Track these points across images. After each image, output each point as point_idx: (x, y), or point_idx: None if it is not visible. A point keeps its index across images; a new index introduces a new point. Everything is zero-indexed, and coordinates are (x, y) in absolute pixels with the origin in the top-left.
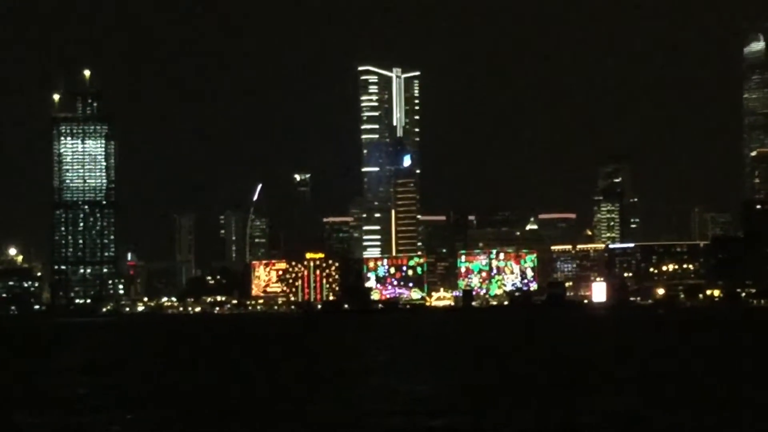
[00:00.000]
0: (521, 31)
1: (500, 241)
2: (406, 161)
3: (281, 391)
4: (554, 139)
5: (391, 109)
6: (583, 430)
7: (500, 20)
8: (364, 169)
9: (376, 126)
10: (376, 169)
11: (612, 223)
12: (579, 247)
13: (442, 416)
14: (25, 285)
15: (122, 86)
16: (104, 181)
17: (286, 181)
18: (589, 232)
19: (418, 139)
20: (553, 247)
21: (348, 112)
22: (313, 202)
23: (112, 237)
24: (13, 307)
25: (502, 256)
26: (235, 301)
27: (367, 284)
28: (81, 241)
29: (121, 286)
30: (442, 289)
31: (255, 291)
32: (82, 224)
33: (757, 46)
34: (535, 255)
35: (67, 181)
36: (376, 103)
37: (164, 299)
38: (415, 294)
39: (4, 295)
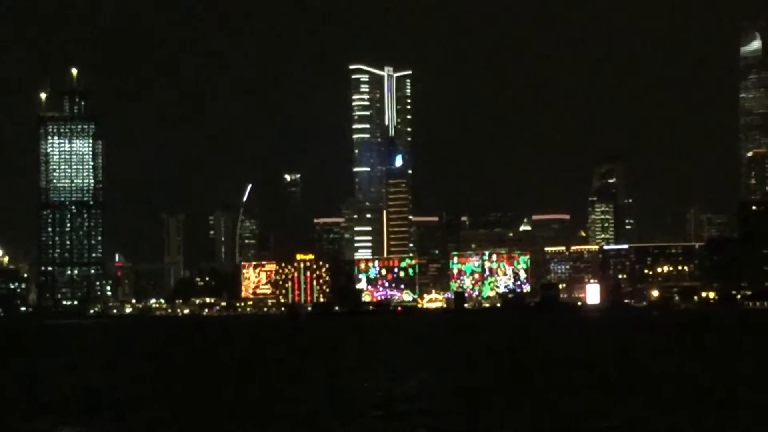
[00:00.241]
0: (521, 31)
1: (493, 242)
2: (398, 161)
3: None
4: (552, 139)
5: (383, 108)
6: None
7: (500, 20)
8: (356, 169)
9: (368, 125)
10: (368, 169)
11: (606, 224)
12: (573, 248)
13: (430, 417)
14: (12, 286)
15: (112, 85)
16: (92, 181)
17: (276, 182)
18: (583, 233)
19: (410, 138)
20: (546, 249)
21: (339, 112)
22: (303, 202)
23: (99, 238)
24: None
25: (494, 257)
26: (224, 303)
27: (358, 286)
28: (68, 242)
29: (108, 288)
30: (434, 291)
31: (244, 293)
32: (69, 225)
33: (755, 45)
34: (528, 256)
35: (54, 181)
36: (367, 102)
37: (152, 301)
38: (407, 296)
39: None
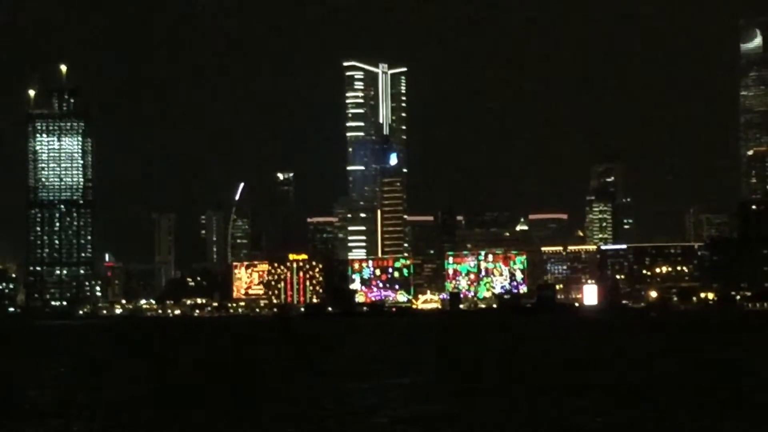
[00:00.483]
0: (521, 31)
1: (489, 242)
2: (393, 160)
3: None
4: (549, 138)
5: (377, 106)
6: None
7: (500, 20)
8: (350, 168)
9: (362, 123)
10: (362, 167)
11: (604, 224)
12: (570, 248)
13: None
14: None
15: (104, 84)
16: (81, 179)
17: (268, 180)
18: (581, 233)
19: (405, 137)
20: (543, 249)
21: (333, 109)
22: (296, 201)
23: (89, 237)
24: None
25: (491, 257)
26: (215, 304)
27: (352, 286)
28: (57, 242)
29: (98, 288)
30: (429, 292)
31: (236, 293)
32: (58, 224)
33: (756, 42)
34: (524, 256)
35: (43, 179)
36: (361, 100)
37: (143, 301)
38: (402, 296)
39: None
